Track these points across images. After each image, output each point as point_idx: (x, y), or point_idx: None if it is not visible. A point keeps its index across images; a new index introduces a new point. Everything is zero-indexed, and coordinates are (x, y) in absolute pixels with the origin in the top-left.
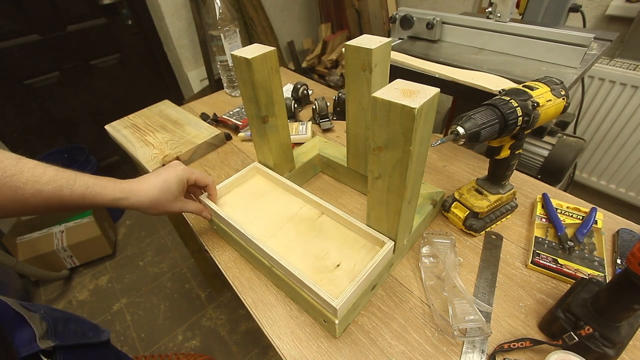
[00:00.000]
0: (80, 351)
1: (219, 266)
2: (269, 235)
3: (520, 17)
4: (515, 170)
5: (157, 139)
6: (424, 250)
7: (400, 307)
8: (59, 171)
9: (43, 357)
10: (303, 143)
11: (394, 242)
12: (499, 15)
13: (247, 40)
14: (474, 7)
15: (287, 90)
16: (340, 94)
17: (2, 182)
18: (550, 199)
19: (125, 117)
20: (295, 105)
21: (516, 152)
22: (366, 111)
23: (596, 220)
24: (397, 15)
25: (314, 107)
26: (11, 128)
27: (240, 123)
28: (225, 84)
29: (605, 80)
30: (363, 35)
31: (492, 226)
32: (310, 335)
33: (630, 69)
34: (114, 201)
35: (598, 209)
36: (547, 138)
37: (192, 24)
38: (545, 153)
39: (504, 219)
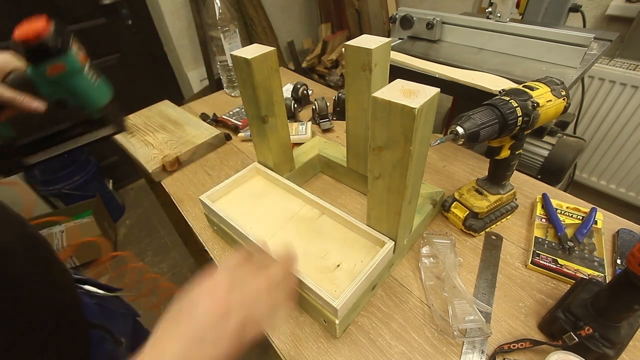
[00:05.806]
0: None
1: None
2: (269, 235)
3: (520, 17)
4: (515, 171)
5: (157, 139)
6: (424, 250)
7: (400, 308)
8: None
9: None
10: (303, 143)
11: (394, 242)
12: (499, 15)
13: (247, 40)
14: (474, 7)
15: (287, 90)
16: (340, 94)
17: None
18: (550, 199)
19: (124, 117)
20: (295, 105)
21: (516, 152)
22: (366, 111)
23: (596, 221)
24: (397, 15)
25: (313, 107)
26: None
27: (240, 123)
28: (225, 84)
29: (605, 80)
30: (363, 35)
31: (492, 226)
32: (310, 336)
33: (630, 69)
34: None
35: (598, 209)
36: (547, 138)
37: (192, 24)
38: (545, 153)
39: (504, 219)
